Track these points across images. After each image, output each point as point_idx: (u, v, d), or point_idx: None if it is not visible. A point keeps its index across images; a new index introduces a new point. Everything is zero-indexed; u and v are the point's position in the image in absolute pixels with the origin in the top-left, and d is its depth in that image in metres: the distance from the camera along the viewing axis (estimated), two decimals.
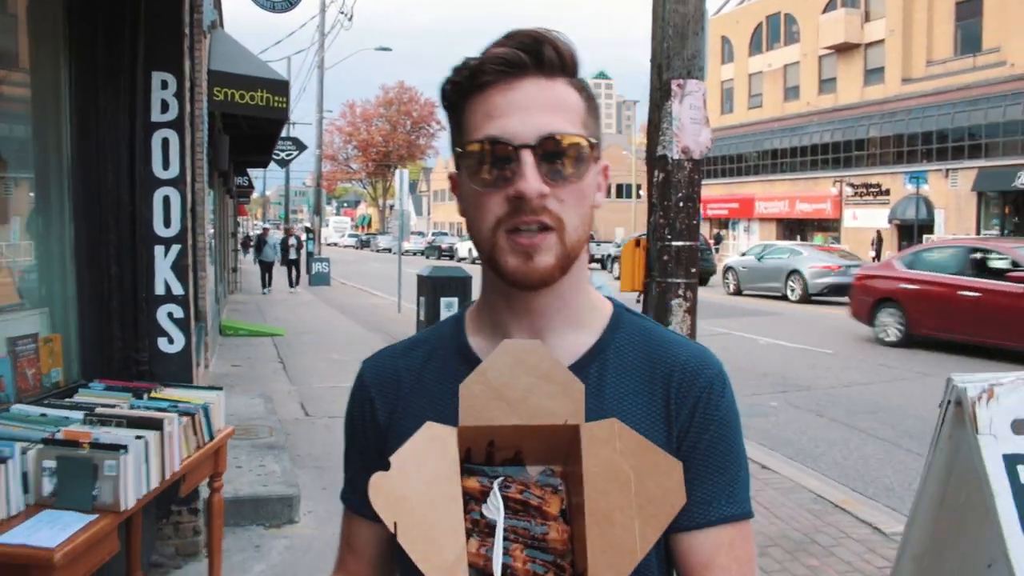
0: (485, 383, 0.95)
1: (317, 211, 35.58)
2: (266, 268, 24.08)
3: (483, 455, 0.96)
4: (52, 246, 3.82)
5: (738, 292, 24.26)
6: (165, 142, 4.07)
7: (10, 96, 3.64)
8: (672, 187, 5.28)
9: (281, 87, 11.17)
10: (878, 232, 37.77)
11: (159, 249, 4.10)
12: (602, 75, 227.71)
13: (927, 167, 36.72)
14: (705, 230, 48.58)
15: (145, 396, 3.42)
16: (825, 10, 43.55)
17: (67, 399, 3.33)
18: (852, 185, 41.03)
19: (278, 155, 24.22)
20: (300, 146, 26.72)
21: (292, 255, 24.95)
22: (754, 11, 49.55)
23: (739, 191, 48.48)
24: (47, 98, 3.77)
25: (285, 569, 4.43)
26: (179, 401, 3.39)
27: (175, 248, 4.13)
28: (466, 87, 1.07)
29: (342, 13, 35.66)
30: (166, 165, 4.08)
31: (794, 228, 45.01)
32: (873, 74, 41.44)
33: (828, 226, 43.07)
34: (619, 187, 69.21)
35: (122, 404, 3.27)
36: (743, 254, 28.79)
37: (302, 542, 4.78)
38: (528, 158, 1.02)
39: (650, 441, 0.98)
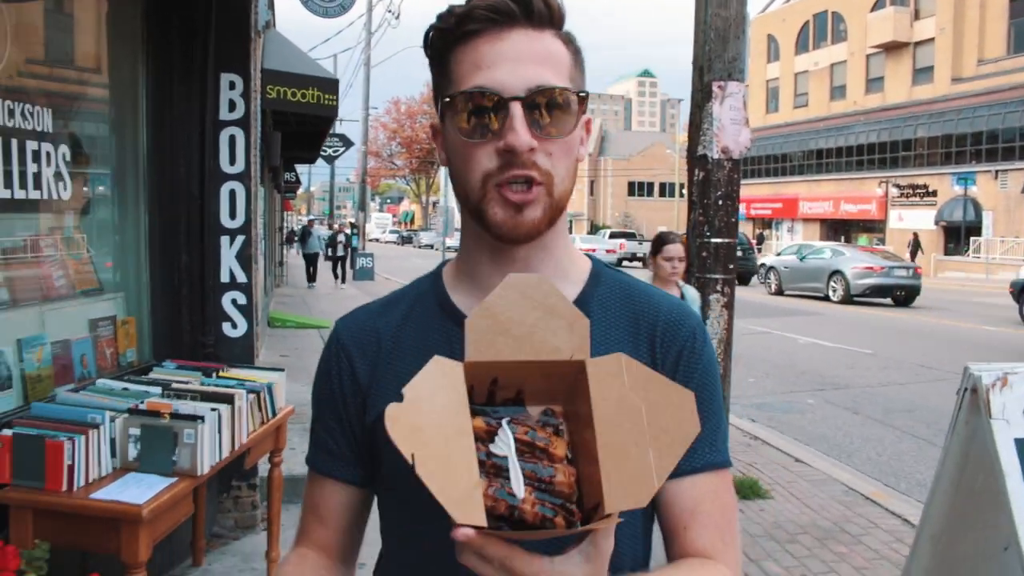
0: (491, 317, 0.93)
1: (362, 207, 36.06)
2: (311, 261, 24.32)
3: (485, 394, 0.94)
4: (128, 235, 4.11)
5: (780, 292, 24.22)
6: (232, 139, 4.34)
7: (92, 95, 3.92)
8: (712, 186, 5.45)
9: (331, 85, 11.47)
10: (915, 234, 37.38)
11: (224, 239, 4.37)
12: (647, 73, 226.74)
13: (976, 168, 36.24)
14: (748, 230, 48.39)
15: (214, 375, 3.69)
16: (874, 8, 43.10)
17: (144, 376, 3.61)
18: (898, 186, 40.58)
19: (325, 151, 24.61)
20: (347, 143, 27.11)
21: (340, 251, 25.25)
22: (801, 9, 49.15)
23: (783, 191, 48.15)
24: (126, 96, 4.06)
25: None
26: (245, 380, 3.66)
27: (240, 239, 4.41)
28: (453, 35, 1.06)
29: (389, 11, 36.08)
30: (232, 160, 4.35)
31: (838, 229, 44.63)
32: (922, 73, 40.92)
33: (873, 227, 42.64)
34: (662, 185, 69.07)
35: (194, 381, 3.54)
36: (778, 253, 28.72)
37: None
38: (517, 110, 1.01)
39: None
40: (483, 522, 0.79)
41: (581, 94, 1.07)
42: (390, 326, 1.18)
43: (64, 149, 3.48)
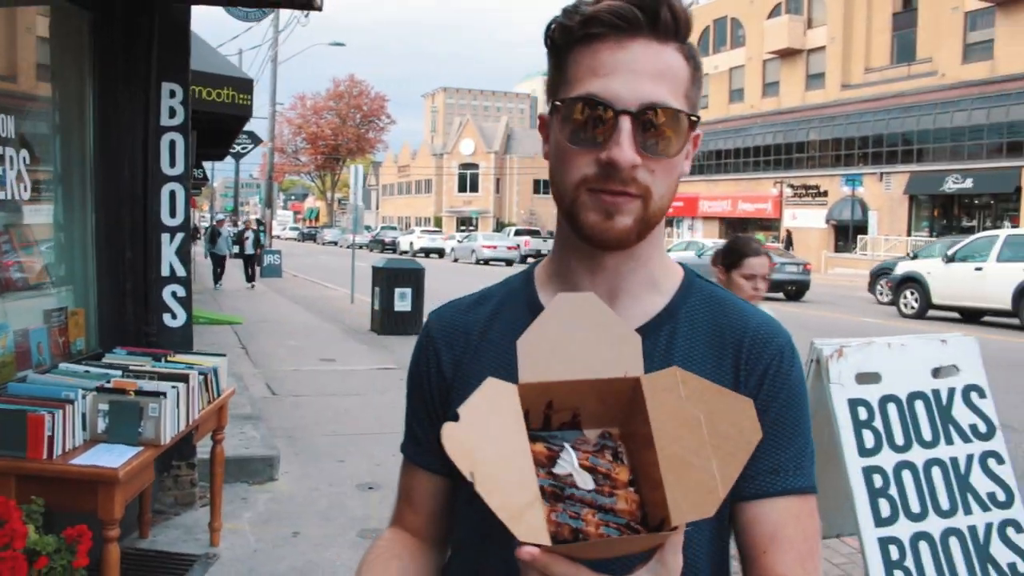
0: (542, 337, 0.93)
1: (268, 204, 35.88)
2: (218, 262, 23.10)
3: (540, 418, 0.93)
4: (75, 232, 4.41)
5: None
6: (172, 143, 4.69)
7: (42, 101, 4.21)
8: None
9: (245, 85, 11.68)
10: (788, 231, 39.49)
11: (166, 236, 4.72)
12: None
13: (863, 170, 38.20)
14: None
15: (163, 359, 4.05)
16: (770, 15, 44.91)
17: (99, 361, 3.95)
18: (792, 186, 42.41)
19: (234, 148, 24.51)
20: (255, 140, 26.99)
21: (249, 250, 23.91)
22: (702, 14, 50.74)
23: (684, 190, 49.56)
24: (74, 103, 4.36)
25: (270, 516, 5.07)
26: (193, 364, 4.03)
27: (179, 236, 4.76)
28: (575, 33, 1.04)
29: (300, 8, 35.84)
30: (172, 163, 4.70)
31: (736, 227, 46.36)
32: (814, 79, 42.87)
33: (769, 225, 44.42)
34: None
35: (146, 365, 3.90)
36: (668, 250, 29.96)
37: (283, 495, 5.42)
38: (626, 125, 1.00)
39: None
40: (547, 540, 0.79)
41: (693, 117, 1.05)
42: (479, 322, 1.20)
43: (23, 153, 3.80)
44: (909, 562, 3.20)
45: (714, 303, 1.16)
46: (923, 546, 3.23)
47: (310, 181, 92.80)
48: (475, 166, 76.07)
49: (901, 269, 18.85)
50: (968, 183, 33.79)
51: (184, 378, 3.61)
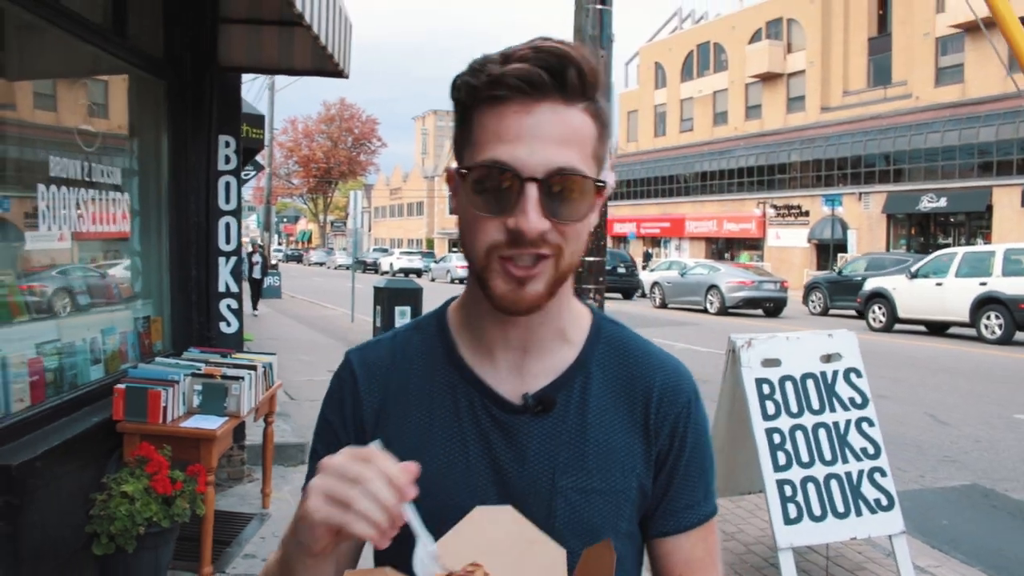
0: (460, 548, 0.95)
1: (267, 227, 36.96)
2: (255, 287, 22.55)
3: None
4: (153, 255, 5.49)
5: (664, 305, 26.46)
6: (227, 184, 5.78)
7: (130, 149, 5.29)
8: None
9: (258, 120, 12.84)
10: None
11: (222, 259, 5.80)
12: None
13: (843, 190, 39.43)
14: (638, 248, 51.01)
15: (228, 356, 5.13)
16: (751, 41, 46.30)
17: (181, 357, 5.03)
18: (775, 206, 43.62)
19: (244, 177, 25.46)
20: (258, 167, 28.04)
21: (256, 274, 22.94)
22: (686, 40, 52.23)
23: (672, 211, 50.90)
24: (152, 152, 5.45)
25: None
26: (252, 360, 5.11)
27: (232, 259, 5.84)
28: (481, 95, 1.03)
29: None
30: (227, 200, 5.79)
31: (722, 247, 47.57)
32: (795, 102, 44.21)
33: (754, 245, 45.60)
34: None
35: (218, 360, 4.98)
36: (651, 271, 31.42)
37: None
38: (533, 192, 0.99)
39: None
40: None
41: (599, 183, 1.04)
42: (398, 370, 1.18)
43: (117, 194, 4.89)
44: (799, 497, 4.29)
45: (622, 350, 1.20)
46: (810, 486, 4.33)
47: (302, 204, 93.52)
48: None
49: (869, 285, 20.03)
50: (943, 202, 35.06)
51: (253, 367, 4.69)
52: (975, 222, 35.08)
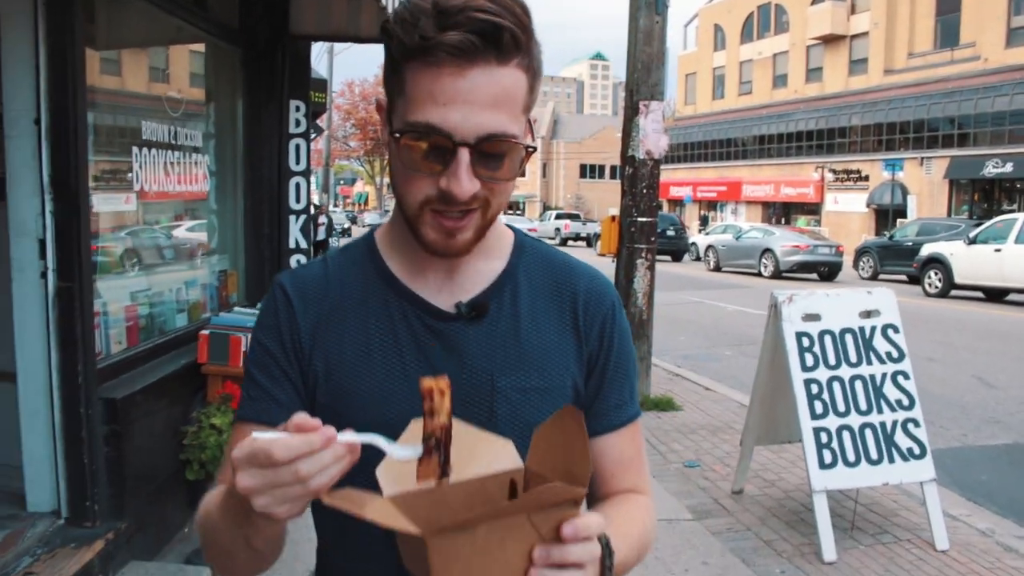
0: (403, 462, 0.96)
1: (325, 188, 37.64)
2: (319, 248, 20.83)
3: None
4: (229, 213, 5.88)
5: (718, 268, 26.51)
6: (297, 147, 6.13)
7: (208, 114, 5.66)
8: (638, 179, 7.37)
9: (321, 84, 13.20)
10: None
11: (292, 217, 6.16)
12: (599, 56, 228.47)
13: (904, 155, 38.70)
14: (694, 212, 50.75)
15: None
16: (814, 2, 45.39)
17: (255, 308, 5.41)
18: (834, 171, 43.03)
19: None
20: (318, 130, 28.57)
21: (321, 235, 21.57)
22: (746, 1, 51.39)
23: (728, 175, 50.49)
24: (228, 116, 5.81)
25: None
26: None
27: (302, 217, 6.20)
28: (414, 53, 1.02)
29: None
30: (297, 162, 6.14)
31: (779, 211, 47.11)
32: (857, 64, 43.35)
33: (812, 210, 45.09)
34: (613, 168, 71.10)
35: None
36: (707, 234, 31.42)
37: None
38: (464, 156, 1.02)
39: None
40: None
41: (529, 148, 1.08)
42: (332, 289, 1.20)
43: (199, 157, 5.26)
44: (835, 444, 4.55)
45: (545, 260, 1.26)
46: (845, 434, 4.58)
47: (359, 166, 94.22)
48: None
49: (926, 251, 19.85)
50: (1008, 167, 34.23)
51: None
52: None
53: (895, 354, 4.73)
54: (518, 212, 69.95)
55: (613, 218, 8.20)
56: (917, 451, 4.60)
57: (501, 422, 1.12)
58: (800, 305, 4.67)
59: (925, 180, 38.09)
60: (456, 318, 1.17)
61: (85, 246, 3.57)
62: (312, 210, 20.61)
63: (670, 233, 30.23)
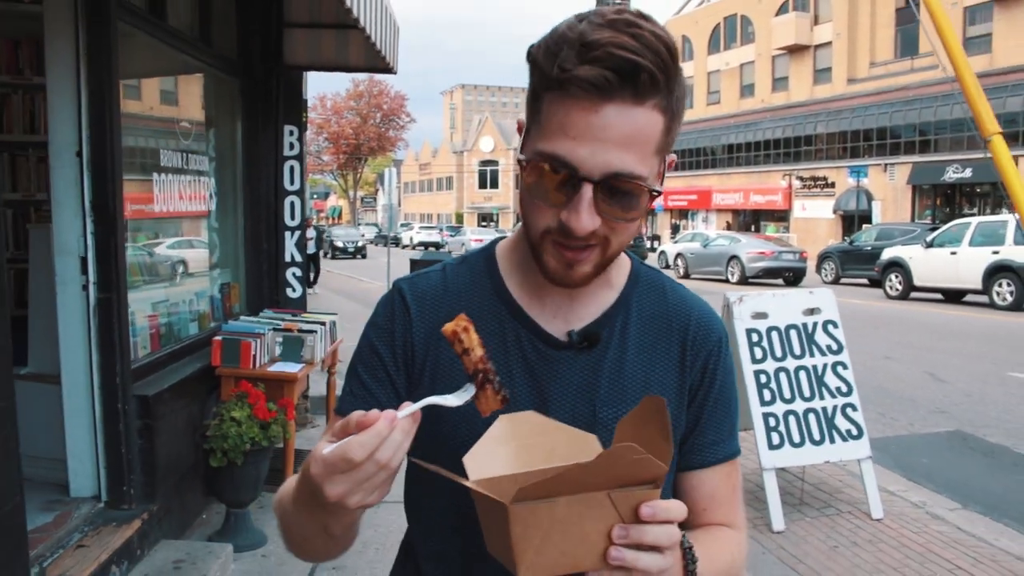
0: (488, 451, 1.03)
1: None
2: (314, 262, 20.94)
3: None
4: (229, 230, 6.38)
5: (687, 276, 27.29)
6: (292, 168, 6.65)
7: (209, 138, 6.16)
8: None
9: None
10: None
11: (287, 233, 6.68)
12: None
13: (868, 162, 39.62)
14: (665, 221, 51.56)
15: (298, 315, 6.01)
16: (778, 13, 46.38)
17: (260, 316, 5.91)
18: (801, 178, 43.93)
19: None
20: None
21: (311, 249, 20.36)
22: (712, 12, 52.35)
23: (698, 183, 51.29)
24: (228, 140, 6.32)
25: None
26: (318, 318, 5.99)
27: (297, 233, 6.72)
28: (550, 84, 1.04)
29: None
30: (292, 182, 6.66)
31: (748, 219, 47.96)
32: (822, 74, 44.30)
33: (780, 217, 45.95)
34: None
35: (290, 318, 5.86)
36: (675, 241, 32.26)
37: None
38: (588, 193, 1.02)
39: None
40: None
41: (654, 192, 1.07)
42: (448, 301, 1.22)
43: (205, 178, 5.77)
44: (782, 427, 5.11)
45: (659, 291, 1.27)
46: (791, 418, 5.14)
47: (332, 180, 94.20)
48: (495, 163, 78.04)
49: (886, 255, 20.64)
50: (968, 172, 35.22)
51: (323, 323, 5.57)
52: (1000, 192, 35.15)
53: (835, 347, 5.32)
54: (492, 223, 70.47)
55: None
56: (855, 432, 5.19)
57: None
58: (749, 305, 5.25)
59: (889, 186, 39.08)
60: (568, 346, 1.19)
61: (121, 261, 4.07)
62: (310, 222, 20.63)
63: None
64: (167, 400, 4.43)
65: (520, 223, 1.18)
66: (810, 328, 5.32)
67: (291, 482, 1.13)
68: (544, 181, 1.05)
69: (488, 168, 78.94)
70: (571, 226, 1.04)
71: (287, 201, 6.66)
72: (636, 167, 1.03)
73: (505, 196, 76.92)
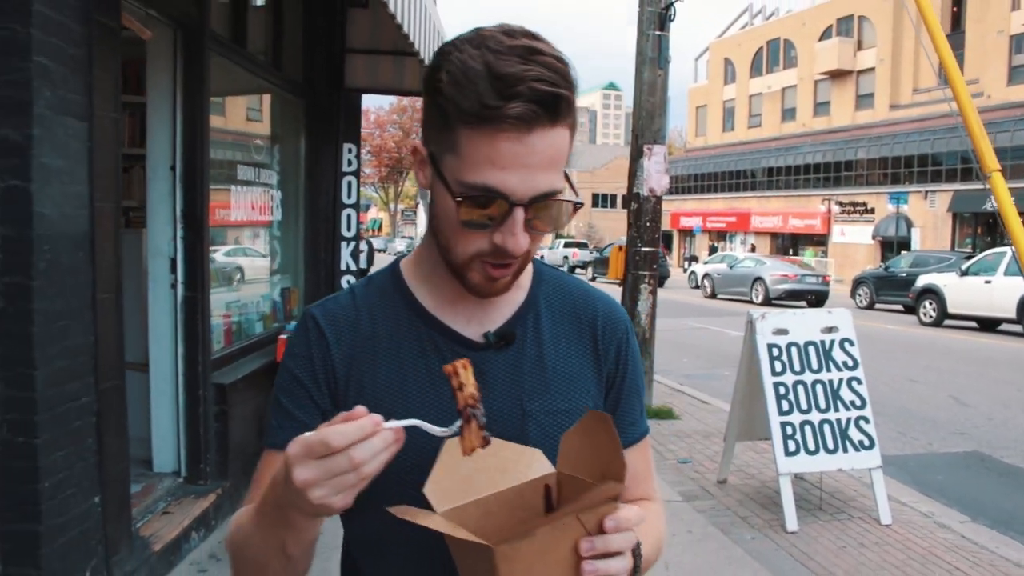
0: (447, 476, 1.04)
1: None
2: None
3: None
4: (291, 239, 6.91)
5: (713, 296, 27.88)
6: (349, 183, 7.18)
7: (276, 154, 6.70)
8: (642, 213, 8.39)
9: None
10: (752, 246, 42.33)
11: (343, 243, 7.20)
12: (612, 86, 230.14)
13: (908, 188, 39.48)
14: (704, 242, 51.72)
15: None
16: (821, 38, 46.53)
17: None
18: (840, 203, 43.87)
19: None
20: None
21: (363, 263, 21.56)
22: (755, 36, 52.57)
23: (738, 206, 51.37)
24: (292, 156, 6.86)
25: None
26: None
27: (352, 243, 7.24)
28: (470, 119, 1.04)
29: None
30: (349, 196, 7.19)
31: (787, 242, 47.96)
32: (864, 99, 44.34)
33: (819, 241, 45.89)
34: (624, 197, 72.00)
35: None
36: (705, 262, 32.68)
37: None
38: (520, 216, 1.07)
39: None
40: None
41: (577, 204, 1.13)
42: (362, 320, 1.22)
43: (272, 191, 6.30)
44: (798, 436, 5.49)
45: (563, 288, 1.33)
46: (807, 428, 5.52)
47: (373, 192, 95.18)
48: None
49: (921, 282, 20.77)
50: None
51: None
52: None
53: (850, 363, 5.70)
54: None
55: (620, 248, 9.23)
56: (867, 443, 5.55)
57: (533, 444, 1.15)
58: (771, 322, 5.65)
59: (929, 213, 38.94)
60: (485, 347, 1.21)
61: (205, 264, 4.59)
62: (363, 235, 21.64)
63: None
64: (240, 389, 4.94)
65: (422, 242, 1.26)
66: (827, 345, 5.70)
67: (246, 508, 1.17)
68: (476, 211, 1.08)
69: None
70: (507, 248, 1.09)
71: (344, 214, 7.18)
72: (557, 183, 1.10)
73: None
